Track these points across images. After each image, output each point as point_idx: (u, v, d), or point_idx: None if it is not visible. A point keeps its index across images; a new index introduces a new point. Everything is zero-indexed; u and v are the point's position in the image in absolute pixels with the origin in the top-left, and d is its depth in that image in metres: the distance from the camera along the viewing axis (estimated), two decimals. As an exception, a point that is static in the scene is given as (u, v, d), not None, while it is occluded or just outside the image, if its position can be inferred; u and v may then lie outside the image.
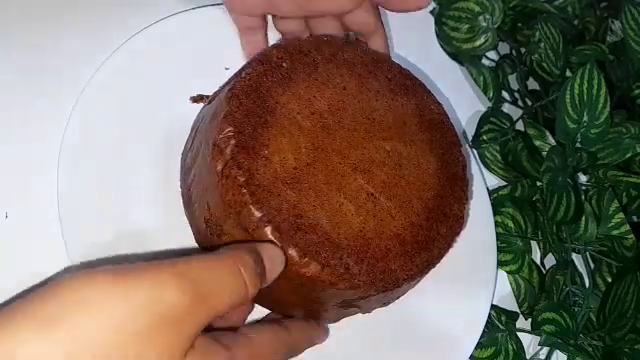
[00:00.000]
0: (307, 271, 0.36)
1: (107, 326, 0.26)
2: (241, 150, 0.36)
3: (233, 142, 0.36)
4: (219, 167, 0.36)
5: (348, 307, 0.40)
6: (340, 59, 0.43)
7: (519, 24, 0.58)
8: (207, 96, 0.45)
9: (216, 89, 0.44)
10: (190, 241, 0.41)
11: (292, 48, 0.42)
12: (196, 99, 0.46)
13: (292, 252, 0.35)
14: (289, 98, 0.39)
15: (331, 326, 0.42)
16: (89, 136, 0.42)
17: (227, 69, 0.46)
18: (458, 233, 0.42)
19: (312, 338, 0.40)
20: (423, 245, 0.40)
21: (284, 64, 0.40)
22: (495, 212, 0.50)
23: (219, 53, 0.47)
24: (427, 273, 0.41)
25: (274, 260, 0.34)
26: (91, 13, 0.48)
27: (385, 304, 0.43)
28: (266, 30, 0.48)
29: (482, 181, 0.51)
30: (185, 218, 0.42)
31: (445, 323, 0.46)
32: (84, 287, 0.27)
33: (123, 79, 0.44)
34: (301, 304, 0.40)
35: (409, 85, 0.44)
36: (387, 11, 0.47)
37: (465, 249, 0.43)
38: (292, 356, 0.37)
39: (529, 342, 0.49)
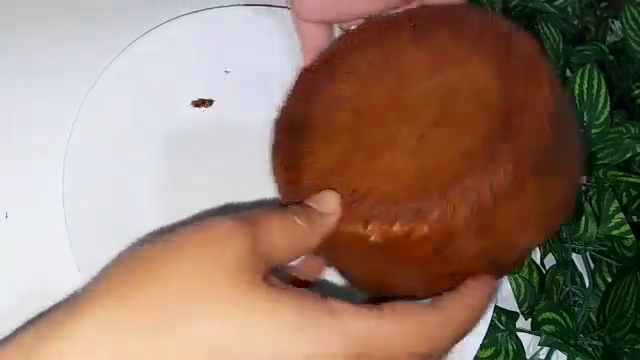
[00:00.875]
0: (378, 236, 0.32)
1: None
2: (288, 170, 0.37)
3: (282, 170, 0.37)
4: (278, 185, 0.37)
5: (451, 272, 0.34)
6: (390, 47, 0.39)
7: (519, 24, 0.58)
8: (209, 100, 0.45)
9: (217, 92, 0.44)
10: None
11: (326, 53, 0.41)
12: (197, 103, 0.46)
13: (356, 227, 0.33)
14: (324, 108, 0.39)
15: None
16: (93, 139, 0.42)
17: (227, 72, 0.46)
18: (550, 114, 0.33)
19: (490, 294, 0.34)
20: (503, 136, 0.32)
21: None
22: (495, 212, 0.50)
23: (221, 56, 0.46)
24: (526, 167, 0.32)
25: (325, 200, 0.34)
26: (92, 14, 0.48)
27: (495, 261, 0.34)
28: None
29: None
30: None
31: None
32: (162, 250, 0.28)
33: (126, 82, 0.44)
34: (411, 283, 0.35)
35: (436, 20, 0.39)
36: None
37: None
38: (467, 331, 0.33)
39: (529, 342, 0.49)
